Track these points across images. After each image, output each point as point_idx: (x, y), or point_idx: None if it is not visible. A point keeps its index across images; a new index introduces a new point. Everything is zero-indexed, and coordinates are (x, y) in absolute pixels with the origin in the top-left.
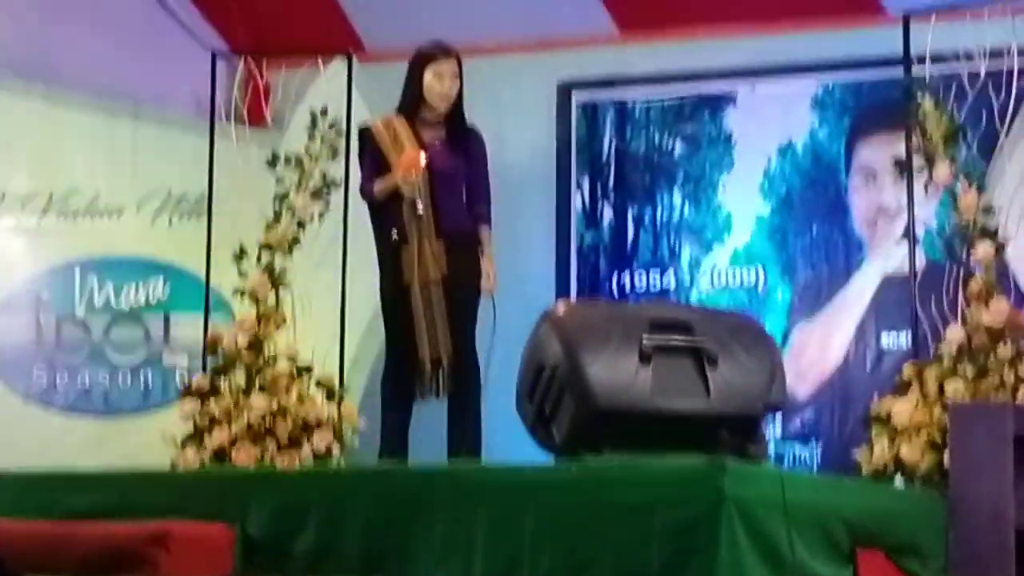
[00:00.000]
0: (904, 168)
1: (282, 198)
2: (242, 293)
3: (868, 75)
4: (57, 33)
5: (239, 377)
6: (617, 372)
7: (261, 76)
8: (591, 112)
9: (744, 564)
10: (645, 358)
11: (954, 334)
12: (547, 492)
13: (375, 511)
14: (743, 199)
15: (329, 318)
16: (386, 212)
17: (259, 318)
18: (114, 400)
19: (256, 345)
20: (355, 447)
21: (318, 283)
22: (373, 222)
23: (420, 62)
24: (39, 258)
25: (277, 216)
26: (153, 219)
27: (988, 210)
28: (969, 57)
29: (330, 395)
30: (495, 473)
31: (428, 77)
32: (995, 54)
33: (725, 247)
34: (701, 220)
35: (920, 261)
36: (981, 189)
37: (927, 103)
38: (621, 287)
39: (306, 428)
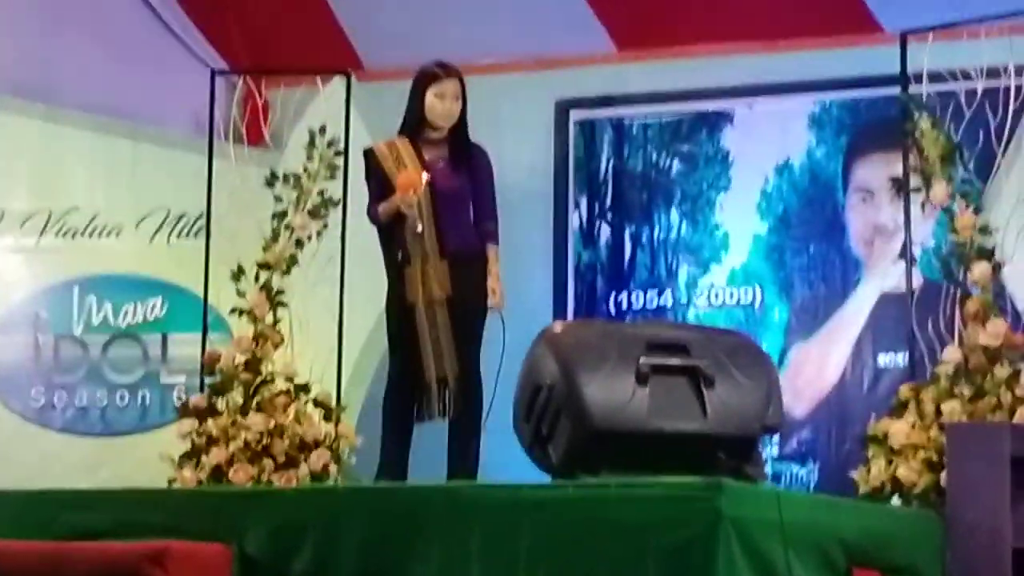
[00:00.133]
0: (901, 187)
1: (280, 217)
2: (240, 312)
3: (865, 94)
4: (57, 52)
5: (237, 396)
6: (614, 393)
7: (260, 95)
8: (589, 130)
9: None
10: (642, 379)
11: (951, 354)
12: (543, 511)
13: (372, 529)
14: (740, 218)
15: (327, 337)
16: (392, 233)
17: (257, 337)
18: (112, 419)
19: (254, 364)
20: (352, 466)
21: (316, 302)
22: (382, 244)
23: (422, 82)
24: (37, 276)
25: (275, 235)
26: (151, 238)
27: (985, 230)
28: (966, 76)
29: (327, 414)
30: (491, 491)
31: (430, 97)
32: (992, 73)
33: (722, 266)
34: (698, 239)
35: (917, 281)
36: (978, 209)
37: (924, 122)
38: (618, 306)
39: (303, 447)
